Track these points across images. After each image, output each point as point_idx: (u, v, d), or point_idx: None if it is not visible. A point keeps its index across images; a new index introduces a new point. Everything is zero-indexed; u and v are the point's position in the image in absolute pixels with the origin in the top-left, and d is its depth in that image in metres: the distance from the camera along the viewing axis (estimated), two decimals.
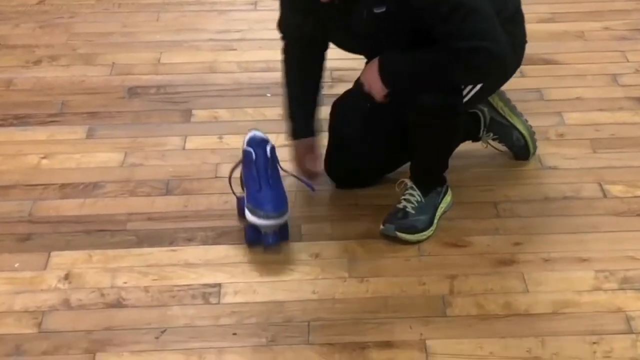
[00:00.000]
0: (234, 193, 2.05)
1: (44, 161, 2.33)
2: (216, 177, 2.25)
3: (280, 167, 2.03)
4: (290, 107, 2.13)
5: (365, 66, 1.96)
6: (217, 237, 2.06)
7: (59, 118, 2.50)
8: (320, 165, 2.15)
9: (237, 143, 2.27)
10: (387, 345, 1.77)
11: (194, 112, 2.52)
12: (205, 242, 2.04)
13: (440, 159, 2.07)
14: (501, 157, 2.29)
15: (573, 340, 1.77)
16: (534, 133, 2.28)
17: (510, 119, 2.25)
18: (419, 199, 2.05)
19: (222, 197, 2.16)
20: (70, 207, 2.16)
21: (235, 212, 2.08)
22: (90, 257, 2.00)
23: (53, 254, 2.01)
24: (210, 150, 2.36)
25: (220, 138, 2.41)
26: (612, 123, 2.43)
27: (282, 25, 2.10)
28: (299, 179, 2.04)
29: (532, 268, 1.95)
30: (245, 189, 2.03)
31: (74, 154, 2.35)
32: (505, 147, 2.28)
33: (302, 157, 2.13)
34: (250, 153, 1.99)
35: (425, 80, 1.88)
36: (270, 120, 2.41)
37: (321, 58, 2.14)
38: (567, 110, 2.48)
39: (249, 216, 1.96)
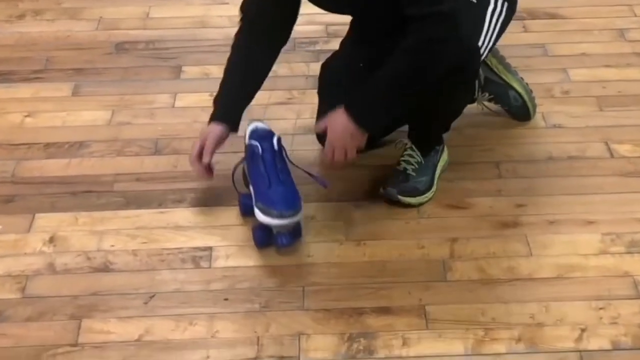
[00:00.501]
0: (236, 190, 1.95)
1: (28, 119, 2.28)
2: None
3: (289, 161, 1.90)
4: (222, 92, 1.96)
5: (328, 127, 1.81)
6: (208, 199, 2.00)
7: (43, 75, 2.45)
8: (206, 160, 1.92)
9: None
10: (385, 310, 1.73)
11: (184, 68, 2.46)
12: (195, 204, 1.99)
13: (448, 120, 2.00)
14: (502, 114, 2.23)
15: (578, 306, 1.73)
16: (531, 91, 2.21)
17: (505, 78, 2.17)
18: (419, 160, 1.99)
19: (213, 157, 2.09)
20: (55, 167, 2.11)
21: (227, 172, 1.99)
22: (76, 220, 1.96)
23: (37, 216, 1.97)
24: (201, 108, 2.29)
25: (212, 95, 2.29)
26: (619, 80, 2.37)
27: (248, 5, 1.96)
28: (309, 174, 1.92)
29: (536, 231, 1.91)
30: (251, 186, 1.89)
31: (59, 112, 2.30)
32: (502, 108, 2.21)
33: (206, 143, 1.90)
34: (256, 147, 1.86)
35: (406, 92, 1.76)
36: None
37: (274, 55, 1.98)
38: (572, 67, 2.42)
39: (260, 217, 1.82)
